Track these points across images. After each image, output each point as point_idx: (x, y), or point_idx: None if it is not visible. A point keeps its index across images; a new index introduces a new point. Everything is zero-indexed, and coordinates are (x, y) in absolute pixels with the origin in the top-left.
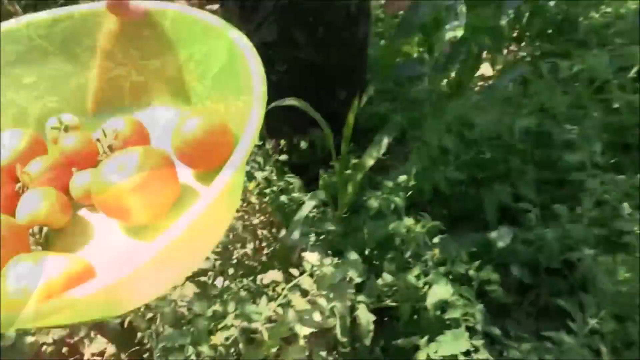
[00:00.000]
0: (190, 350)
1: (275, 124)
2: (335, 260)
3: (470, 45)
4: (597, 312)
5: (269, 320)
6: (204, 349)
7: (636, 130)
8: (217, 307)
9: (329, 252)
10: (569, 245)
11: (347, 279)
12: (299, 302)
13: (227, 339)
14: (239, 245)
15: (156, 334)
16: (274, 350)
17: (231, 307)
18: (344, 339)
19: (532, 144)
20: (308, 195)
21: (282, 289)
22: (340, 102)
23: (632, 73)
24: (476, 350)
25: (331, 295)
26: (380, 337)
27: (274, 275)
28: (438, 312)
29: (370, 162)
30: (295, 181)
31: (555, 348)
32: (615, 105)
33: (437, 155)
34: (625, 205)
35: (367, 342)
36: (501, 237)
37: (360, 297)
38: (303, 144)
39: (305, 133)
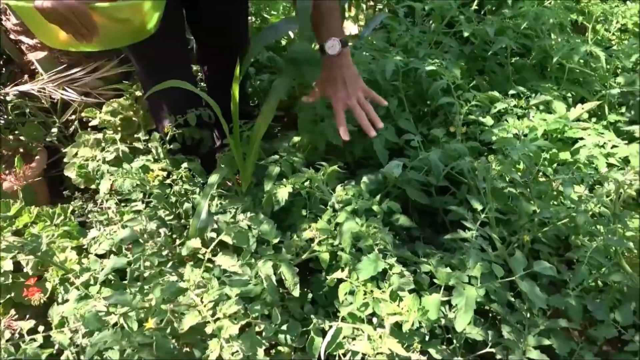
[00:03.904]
0: (124, 344)
1: (155, 111)
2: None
3: None
4: (483, 209)
5: (198, 286)
6: (138, 339)
7: (487, 56)
8: (139, 299)
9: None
10: (450, 161)
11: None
12: (225, 265)
13: (160, 322)
14: (149, 238)
15: (82, 347)
16: (209, 313)
17: (157, 292)
18: (274, 297)
19: (404, 82)
20: (210, 177)
21: (204, 254)
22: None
23: (474, 6)
24: (391, 267)
25: (252, 260)
26: (308, 292)
27: (194, 243)
28: (354, 250)
29: (262, 130)
30: (194, 166)
31: (458, 251)
32: (466, 34)
33: (323, 111)
34: (488, 118)
35: (296, 293)
36: (392, 169)
37: (281, 256)
38: (189, 131)
39: (184, 112)
